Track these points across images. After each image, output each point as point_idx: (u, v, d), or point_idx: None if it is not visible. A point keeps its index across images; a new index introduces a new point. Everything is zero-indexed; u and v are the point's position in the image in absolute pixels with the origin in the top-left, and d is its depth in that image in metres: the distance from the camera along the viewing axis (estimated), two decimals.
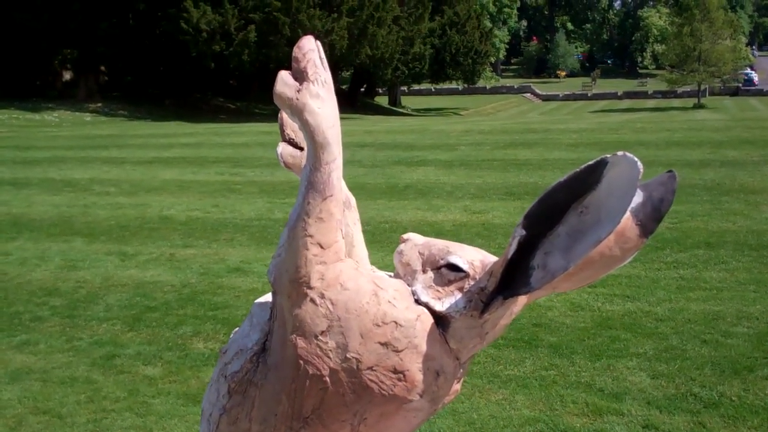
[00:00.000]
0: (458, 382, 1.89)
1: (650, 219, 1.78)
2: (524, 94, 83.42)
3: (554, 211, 1.68)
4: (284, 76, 1.68)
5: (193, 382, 5.77)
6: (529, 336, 6.47)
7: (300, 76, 1.69)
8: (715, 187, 13.27)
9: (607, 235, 1.60)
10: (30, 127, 33.72)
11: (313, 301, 1.72)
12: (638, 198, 1.78)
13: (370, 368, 1.72)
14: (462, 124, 32.86)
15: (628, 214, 1.76)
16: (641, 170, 1.54)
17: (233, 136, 26.24)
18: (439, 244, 1.88)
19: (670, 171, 1.81)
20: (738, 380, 5.47)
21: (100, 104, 44.09)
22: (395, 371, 1.73)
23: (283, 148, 2.13)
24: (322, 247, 1.72)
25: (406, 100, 70.04)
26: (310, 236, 1.71)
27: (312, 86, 1.69)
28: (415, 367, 1.75)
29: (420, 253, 1.87)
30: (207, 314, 7.28)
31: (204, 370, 5.89)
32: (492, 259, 1.85)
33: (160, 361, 6.21)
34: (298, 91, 1.69)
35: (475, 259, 1.84)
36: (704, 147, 18.26)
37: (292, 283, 1.72)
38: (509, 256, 1.72)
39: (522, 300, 1.87)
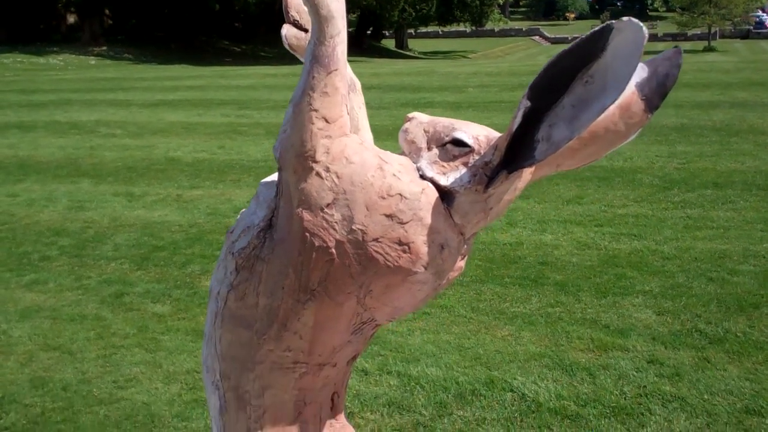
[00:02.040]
0: (462, 259, 1.88)
1: (655, 94, 1.78)
2: (533, 37, 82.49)
3: (559, 83, 1.66)
4: None
5: (201, 319, 5.81)
6: (535, 274, 6.49)
7: None
8: (724, 128, 13.18)
9: (612, 102, 1.59)
10: (35, 71, 33.57)
11: (318, 174, 1.72)
12: (644, 73, 1.78)
13: (376, 240, 1.73)
14: (470, 66, 32.58)
15: (633, 88, 1.76)
16: (646, 35, 1.54)
17: (239, 79, 26.10)
18: (444, 121, 1.87)
19: (676, 47, 1.81)
20: (743, 317, 5.49)
21: (104, 47, 43.83)
22: (400, 243, 1.73)
23: (287, 30, 2.10)
24: (327, 121, 1.72)
25: (413, 43, 69.34)
26: (315, 110, 1.70)
27: None
28: (419, 240, 1.75)
29: (425, 130, 1.86)
30: (214, 253, 7.30)
31: None
32: (497, 135, 1.84)
33: (169, 298, 6.26)
34: None
35: (480, 134, 1.83)
36: (714, 88, 18.11)
37: (298, 158, 1.72)
38: (514, 129, 1.71)
39: (526, 176, 1.86)
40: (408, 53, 61.22)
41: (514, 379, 4.68)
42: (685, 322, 5.43)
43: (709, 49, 57.97)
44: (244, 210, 1.91)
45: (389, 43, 65.76)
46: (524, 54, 63.74)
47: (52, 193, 10.04)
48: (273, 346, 1.82)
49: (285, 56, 45.22)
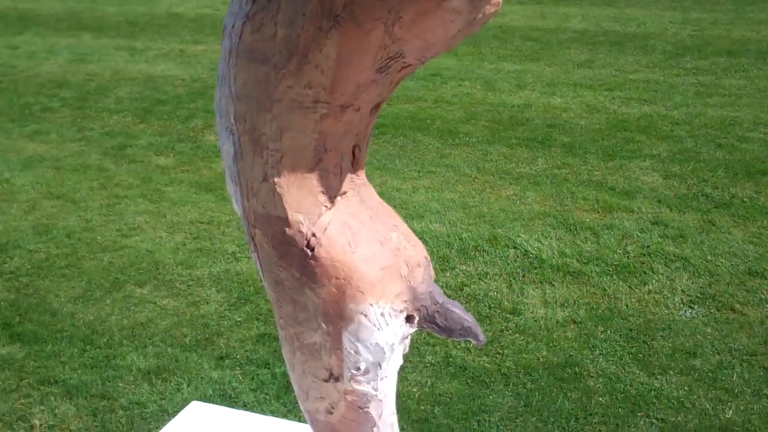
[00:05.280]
0: None
1: None
2: None
3: None
4: None
5: (205, 172, 5.78)
6: (542, 136, 6.41)
7: None
8: None
9: None
10: None
11: None
12: None
13: None
14: None
15: None
16: None
17: None
18: None
19: None
20: (750, 183, 5.45)
21: None
22: None
23: None
24: None
25: None
26: None
27: None
28: None
29: None
30: None
31: (216, 161, 5.90)
32: None
33: (172, 151, 6.21)
34: None
35: None
36: None
37: None
38: None
39: None
40: None
41: (518, 236, 4.67)
42: (692, 186, 5.39)
43: None
44: None
45: None
46: None
47: (52, 46, 9.86)
48: (292, 81, 1.70)
49: None
